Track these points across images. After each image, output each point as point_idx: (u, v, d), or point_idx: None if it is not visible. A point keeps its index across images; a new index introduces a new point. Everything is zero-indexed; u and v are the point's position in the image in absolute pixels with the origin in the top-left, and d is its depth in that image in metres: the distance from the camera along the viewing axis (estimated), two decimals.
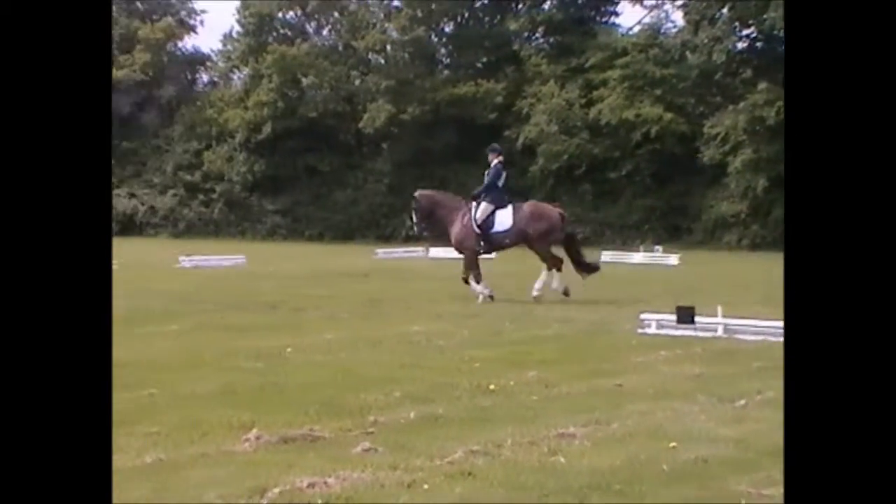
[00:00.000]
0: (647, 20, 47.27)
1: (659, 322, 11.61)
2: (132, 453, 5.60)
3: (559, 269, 15.85)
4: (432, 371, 8.68)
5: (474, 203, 16.25)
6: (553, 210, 16.61)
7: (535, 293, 15.62)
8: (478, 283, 15.94)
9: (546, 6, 47.74)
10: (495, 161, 16.47)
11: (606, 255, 29.76)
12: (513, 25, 46.77)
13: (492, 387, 7.83)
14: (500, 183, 16.29)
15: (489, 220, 16.03)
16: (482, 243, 16.11)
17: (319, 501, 4.73)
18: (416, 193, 17.66)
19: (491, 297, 15.62)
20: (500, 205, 16.10)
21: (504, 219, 16.02)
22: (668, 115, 40.55)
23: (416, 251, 32.93)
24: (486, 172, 16.53)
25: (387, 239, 44.32)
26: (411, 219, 18.19)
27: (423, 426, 6.50)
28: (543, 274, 15.87)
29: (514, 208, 16.14)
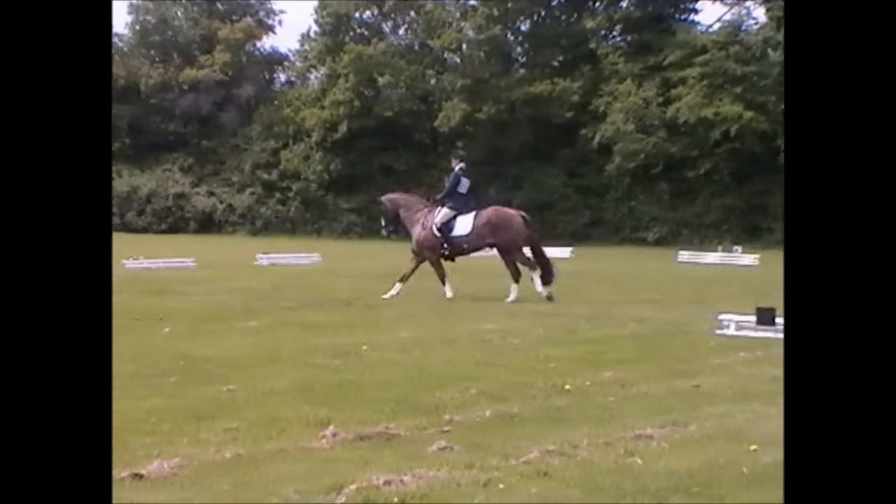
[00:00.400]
0: (727, 17, 46.64)
1: (738, 323, 11.44)
2: (212, 448, 5.68)
3: (533, 269, 16.04)
4: (507, 370, 8.66)
5: (438, 207, 16.57)
6: (515, 216, 16.53)
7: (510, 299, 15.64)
8: (443, 283, 16.22)
9: (624, 4, 47.36)
10: (458, 167, 16.83)
11: (684, 255, 29.42)
12: (590, 23, 46.45)
13: (567, 386, 7.79)
14: (463, 189, 16.52)
15: (449, 224, 16.27)
16: (444, 246, 16.30)
17: (395, 499, 4.74)
18: (382, 198, 18.27)
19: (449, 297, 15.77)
20: (461, 210, 16.30)
21: (464, 224, 16.20)
22: (749, 114, 39.90)
23: (492, 249, 32.86)
24: (446, 179, 17.10)
25: None
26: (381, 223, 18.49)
27: (498, 425, 6.48)
28: (537, 281, 15.97)
29: (475, 214, 16.23)
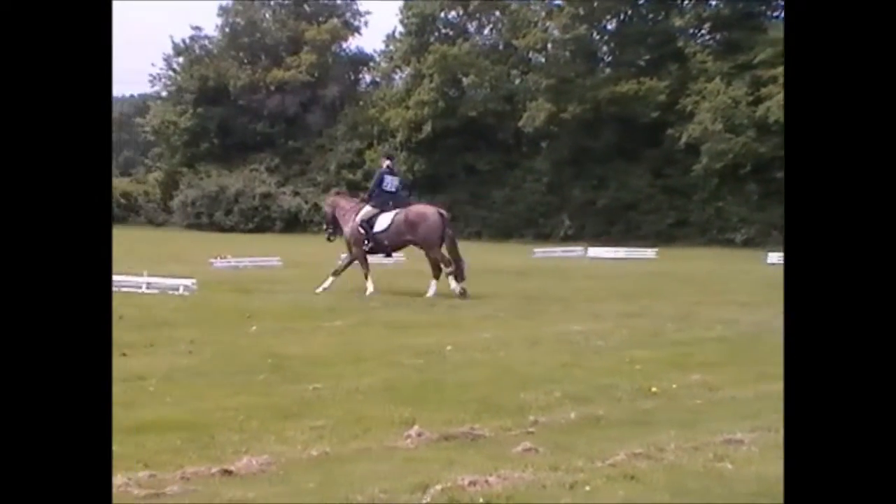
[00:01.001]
0: None
1: None
2: (299, 446, 5.74)
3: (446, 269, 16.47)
4: (592, 371, 8.59)
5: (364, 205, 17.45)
6: (432, 213, 16.82)
7: (429, 294, 16.14)
8: (365, 278, 16.76)
9: (713, 2, 46.69)
10: (384, 165, 17.80)
11: (773, 257, 28.88)
12: (678, 22, 45.87)
13: (653, 389, 7.70)
14: (389, 187, 17.22)
15: (371, 221, 16.96)
16: (367, 242, 16.98)
17: (481, 500, 4.74)
18: (326, 200, 19.51)
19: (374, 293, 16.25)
20: (383, 208, 16.93)
21: (384, 221, 16.83)
22: None
23: (575, 250, 32.73)
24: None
25: (545, 238, 44.21)
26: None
27: (583, 427, 6.44)
28: (451, 278, 16.33)
29: (396, 212, 16.80)
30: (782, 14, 46.67)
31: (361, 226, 16.96)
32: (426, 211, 16.94)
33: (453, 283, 16.14)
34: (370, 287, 16.46)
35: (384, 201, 17.05)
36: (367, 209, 17.12)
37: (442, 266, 16.48)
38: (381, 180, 17.26)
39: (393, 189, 17.30)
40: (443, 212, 17.04)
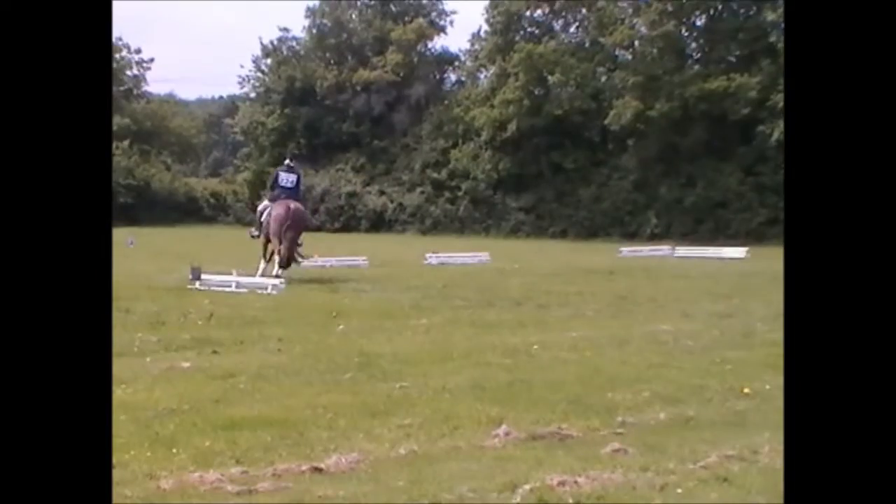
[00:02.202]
0: None
1: None
2: (387, 444, 5.75)
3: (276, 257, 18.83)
4: (682, 372, 8.47)
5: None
6: (283, 205, 18.85)
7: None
8: (264, 260, 19.23)
9: None
10: (285, 163, 20.31)
11: None
12: (770, 16, 44.90)
13: (746, 390, 7.56)
14: (285, 183, 19.50)
15: (262, 213, 19.86)
16: (259, 229, 19.78)
17: (570, 500, 4.70)
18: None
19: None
20: (275, 201, 19.34)
21: (266, 213, 19.42)
22: None
23: (662, 249, 32.33)
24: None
25: (631, 237, 43.76)
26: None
27: (673, 428, 6.35)
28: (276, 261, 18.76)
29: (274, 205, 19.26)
30: None
31: (259, 216, 19.99)
32: (280, 205, 18.96)
33: (276, 268, 18.51)
34: (259, 270, 18.74)
35: (277, 195, 19.44)
36: (264, 203, 20.24)
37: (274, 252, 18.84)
38: (276, 177, 20.02)
39: (290, 185, 19.60)
40: (292, 206, 18.90)
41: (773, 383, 7.84)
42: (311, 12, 60.49)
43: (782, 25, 45.13)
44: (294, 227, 18.68)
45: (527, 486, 4.81)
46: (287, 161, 20.44)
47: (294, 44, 62.06)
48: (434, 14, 59.89)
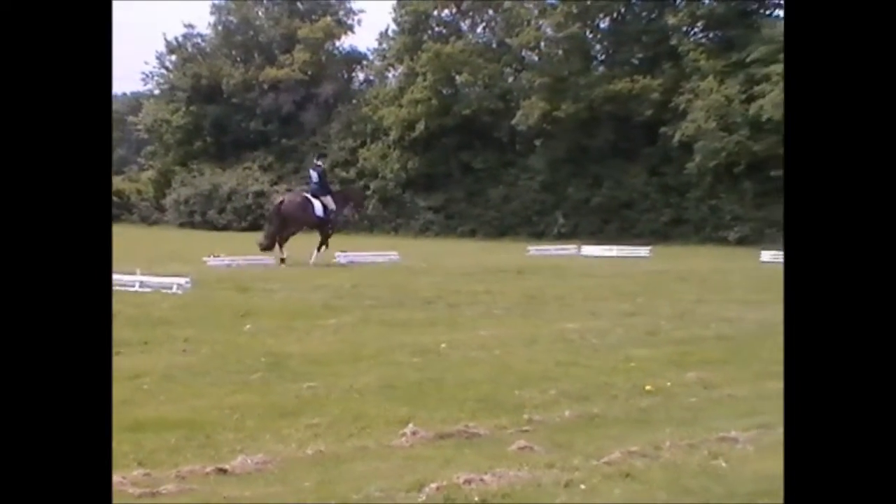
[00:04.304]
0: None
1: None
2: (294, 445, 5.73)
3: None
4: (588, 370, 8.59)
5: None
6: (279, 199, 24.25)
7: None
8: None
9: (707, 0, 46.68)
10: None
11: (766, 255, 28.90)
12: (672, 20, 45.74)
13: (648, 387, 7.70)
14: (311, 179, 24.07)
15: None
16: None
17: (476, 498, 4.73)
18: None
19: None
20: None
21: None
22: None
23: (569, 248, 32.74)
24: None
25: (539, 236, 44.15)
26: None
27: (579, 425, 6.44)
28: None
29: None
30: (776, 12, 46.77)
31: None
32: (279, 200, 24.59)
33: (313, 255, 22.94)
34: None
35: (307, 190, 23.99)
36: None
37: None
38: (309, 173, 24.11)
39: (313, 180, 23.85)
40: (285, 198, 24.47)
41: (676, 380, 8.02)
42: (216, 9, 59.72)
43: (684, 29, 46.13)
44: (275, 219, 23.34)
45: (434, 485, 4.84)
46: (315, 159, 25.19)
47: (200, 41, 61.19)
48: (342, 13, 59.59)
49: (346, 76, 60.47)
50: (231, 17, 59.31)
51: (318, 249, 23.33)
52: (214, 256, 22.93)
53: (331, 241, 23.75)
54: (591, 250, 31.57)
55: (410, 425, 6.14)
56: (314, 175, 23.83)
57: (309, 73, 56.06)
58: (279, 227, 23.05)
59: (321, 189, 23.55)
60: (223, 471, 5.16)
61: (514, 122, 46.92)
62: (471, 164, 49.16)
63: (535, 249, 31.93)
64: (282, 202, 23.73)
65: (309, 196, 23.43)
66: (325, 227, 23.69)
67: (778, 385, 7.80)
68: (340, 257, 24.77)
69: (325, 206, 23.35)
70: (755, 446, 5.83)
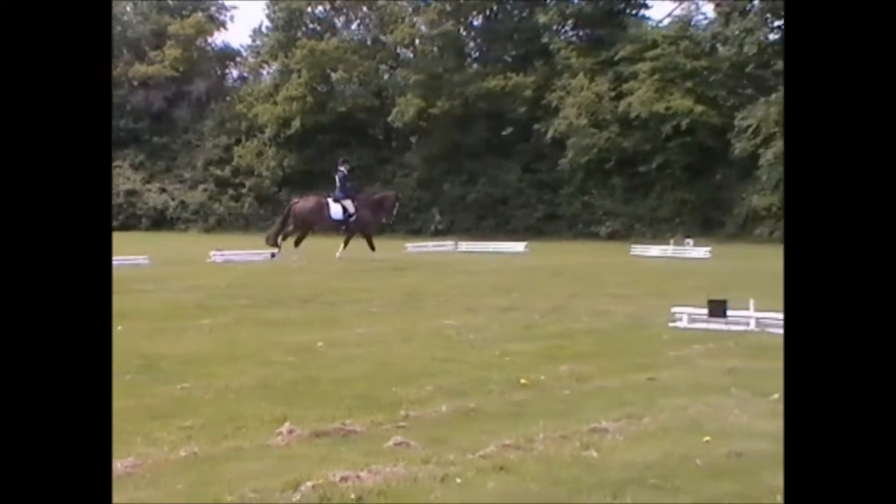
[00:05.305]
0: (677, 12, 46.93)
1: (691, 316, 11.56)
2: (167, 447, 5.64)
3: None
4: (465, 365, 8.68)
5: None
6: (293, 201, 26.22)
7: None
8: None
9: None
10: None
11: (637, 249, 29.62)
12: (542, 18, 46.47)
13: (523, 381, 7.82)
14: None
15: None
16: None
17: (352, 495, 4.75)
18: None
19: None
20: None
21: None
22: (700, 108, 40.11)
23: (446, 245, 32.97)
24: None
25: (416, 233, 44.32)
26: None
27: (455, 420, 6.51)
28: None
29: None
30: (642, 12, 47.94)
31: None
32: None
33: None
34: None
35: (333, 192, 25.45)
36: None
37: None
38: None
39: (337, 183, 25.44)
40: (295, 202, 25.79)
41: (550, 374, 8.17)
42: None
43: (554, 28, 46.89)
44: (285, 221, 25.10)
45: (309, 484, 4.83)
46: (339, 164, 26.17)
47: None
48: (213, 9, 58.71)
49: (219, 73, 59.54)
50: None
51: (344, 246, 25.12)
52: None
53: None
54: (468, 246, 31.84)
55: (286, 424, 6.11)
56: (336, 179, 25.40)
57: (180, 69, 54.99)
58: (282, 226, 25.09)
59: (342, 192, 25.00)
60: None
61: (389, 119, 47.02)
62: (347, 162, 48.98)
63: (413, 246, 32.08)
64: (294, 204, 25.53)
65: (327, 199, 25.13)
66: (346, 229, 25.20)
67: (644, 376, 8.07)
68: (216, 256, 24.44)
69: (344, 209, 24.77)
70: (624, 436, 5.99)
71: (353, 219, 25.02)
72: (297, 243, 24.76)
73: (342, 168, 25.77)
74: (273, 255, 24.21)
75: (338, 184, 25.35)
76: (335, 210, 24.83)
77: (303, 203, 25.57)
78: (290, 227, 25.07)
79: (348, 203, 25.00)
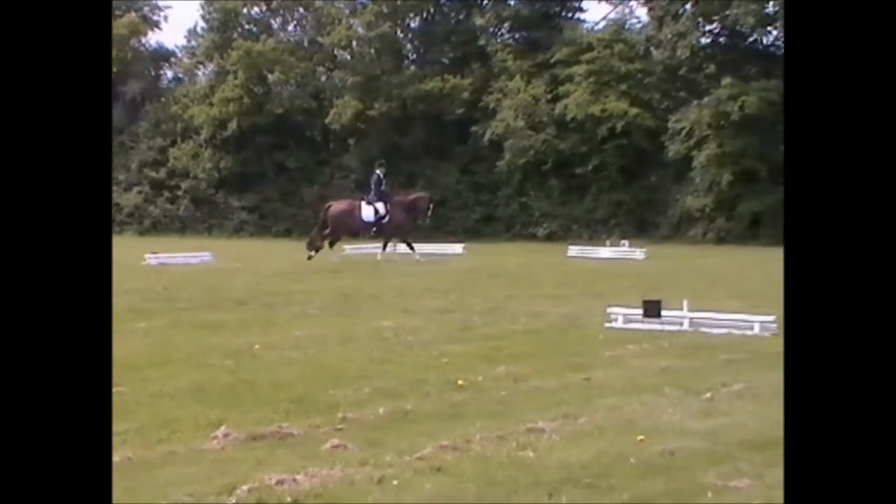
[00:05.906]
0: (612, 16, 47.45)
1: (626, 316, 11.68)
2: None
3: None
4: (402, 367, 8.69)
5: None
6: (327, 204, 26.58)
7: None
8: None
9: (512, 2, 47.74)
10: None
11: (573, 250, 29.84)
12: (479, 21, 46.67)
13: (460, 382, 7.86)
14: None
15: None
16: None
17: (289, 499, 4.74)
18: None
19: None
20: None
21: None
22: (634, 111, 40.59)
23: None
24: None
25: (354, 235, 44.21)
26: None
27: (392, 422, 6.52)
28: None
29: None
30: (577, 15, 48.36)
31: None
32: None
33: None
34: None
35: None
36: None
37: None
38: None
39: (371, 186, 26.25)
40: (330, 204, 26.30)
41: (487, 375, 8.21)
42: None
43: (491, 30, 47.10)
44: (323, 224, 25.58)
45: (245, 487, 4.82)
46: (375, 167, 27.02)
47: None
48: (147, 9, 57.90)
49: (153, 74, 58.76)
50: None
51: (384, 248, 26.14)
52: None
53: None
54: (404, 248, 31.82)
55: (222, 428, 6.08)
56: (371, 182, 26.25)
57: (114, 70, 54.21)
58: (321, 228, 25.60)
59: (374, 195, 25.73)
60: None
61: (327, 120, 46.84)
62: (284, 164, 48.75)
63: (351, 248, 31.95)
64: (329, 207, 26.09)
65: (360, 202, 25.93)
66: (380, 230, 25.93)
67: (579, 376, 8.15)
68: (151, 259, 24.17)
69: (376, 211, 25.44)
70: (560, 435, 6.05)
71: (385, 220, 25.61)
72: (331, 245, 25.65)
73: (377, 171, 26.36)
74: (309, 258, 24.38)
75: (372, 186, 26.00)
76: (367, 212, 25.45)
77: (336, 205, 26.22)
78: (328, 231, 25.56)
79: (381, 205, 25.57)
